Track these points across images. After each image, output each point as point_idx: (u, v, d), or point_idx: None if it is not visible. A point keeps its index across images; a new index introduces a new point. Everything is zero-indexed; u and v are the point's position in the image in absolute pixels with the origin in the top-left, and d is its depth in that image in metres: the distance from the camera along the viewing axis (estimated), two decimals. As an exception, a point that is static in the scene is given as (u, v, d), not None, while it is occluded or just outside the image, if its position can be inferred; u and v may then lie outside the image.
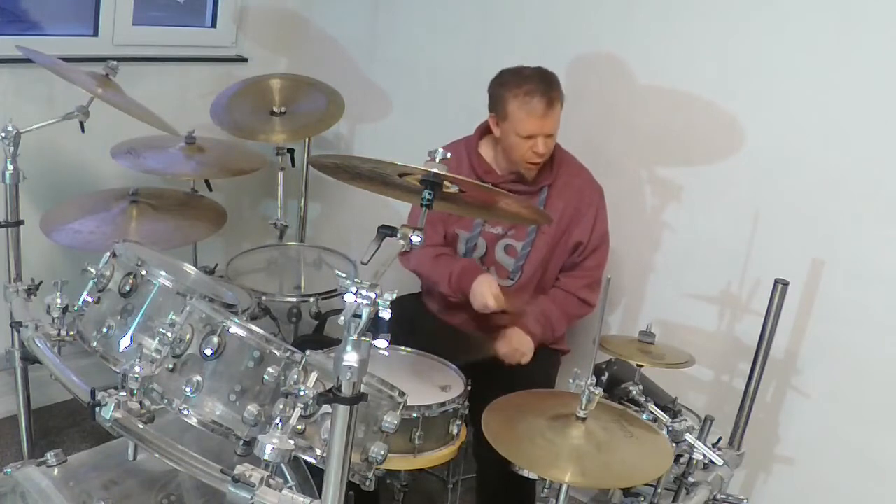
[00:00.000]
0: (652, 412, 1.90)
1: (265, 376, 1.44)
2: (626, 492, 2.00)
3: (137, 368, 1.45)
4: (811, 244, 2.13)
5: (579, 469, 1.53)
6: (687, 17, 2.29)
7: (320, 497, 1.25)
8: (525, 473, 1.57)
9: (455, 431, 1.80)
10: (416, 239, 1.38)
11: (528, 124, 2.09)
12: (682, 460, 1.86)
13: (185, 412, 1.47)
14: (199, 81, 3.10)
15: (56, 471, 1.63)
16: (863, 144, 2.03)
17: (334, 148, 3.33)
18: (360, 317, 1.16)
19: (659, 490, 1.91)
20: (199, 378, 1.47)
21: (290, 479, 1.67)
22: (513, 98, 2.09)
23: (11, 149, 2.10)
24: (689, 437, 1.84)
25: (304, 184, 3.20)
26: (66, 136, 2.40)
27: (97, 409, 1.43)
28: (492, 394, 1.77)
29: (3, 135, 2.08)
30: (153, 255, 1.81)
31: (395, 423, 1.46)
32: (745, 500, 1.85)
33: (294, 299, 2.57)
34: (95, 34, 2.85)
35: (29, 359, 2.14)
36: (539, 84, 2.09)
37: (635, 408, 1.92)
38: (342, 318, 1.18)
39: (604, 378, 1.98)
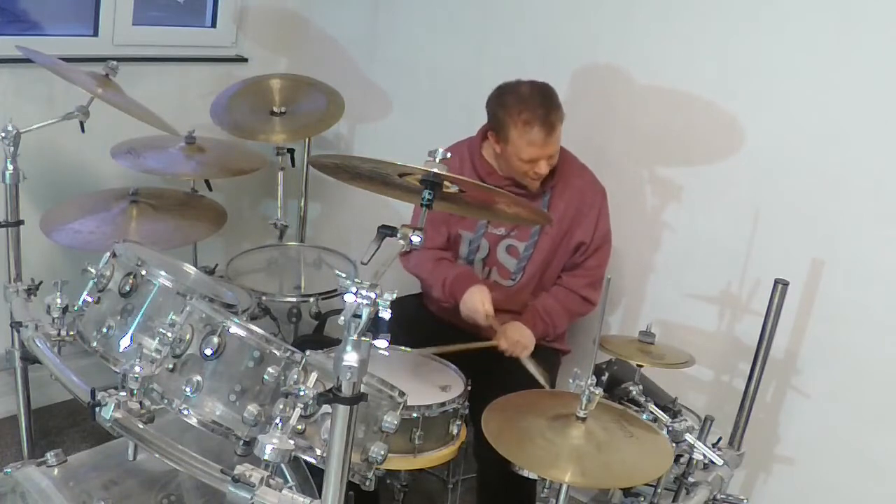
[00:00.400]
0: (652, 412, 1.90)
1: (265, 376, 1.44)
2: (626, 492, 2.00)
3: (137, 368, 1.45)
4: (811, 244, 2.13)
5: (579, 469, 1.53)
6: (687, 18, 2.29)
7: (320, 497, 1.25)
8: (525, 473, 1.57)
9: (455, 431, 1.80)
10: (416, 239, 1.38)
11: (528, 151, 2.09)
12: (682, 460, 1.86)
13: (185, 412, 1.47)
14: (199, 81, 3.10)
15: (56, 471, 1.63)
16: (863, 144, 2.03)
17: (334, 148, 3.33)
18: (360, 317, 1.16)
19: (659, 490, 1.91)
20: (199, 378, 1.47)
21: (290, 479, 1.67)
22: (512, 125, 2.08)
23: (11, 149, 2.10)
24: (689, 437, 1.84)
25: (304, 184, 3.21)
26: (66, 136, 2.40)
27: (97, 409, 1.43)
28: (492, 394, 1.77)
29: (3, 135, 2.08)
30: (153, 255, 1.81)
31: (395, 423, 1.46)
32: (745, 500, 1.85)
33: (294, 299, 2.57)
34: (95, 34, 2.85)
35: (29, 359, 2.14)
36: (538, 110, 2.06)
37: (635, 408, 1.92)
38: (342, 318, 1.18)
39: (604, 378, 1.98)
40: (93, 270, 1.69)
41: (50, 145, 2.59)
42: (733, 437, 2.01)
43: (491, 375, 1.97)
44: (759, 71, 2.17)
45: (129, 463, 1.56)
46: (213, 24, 3.21)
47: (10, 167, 2.11)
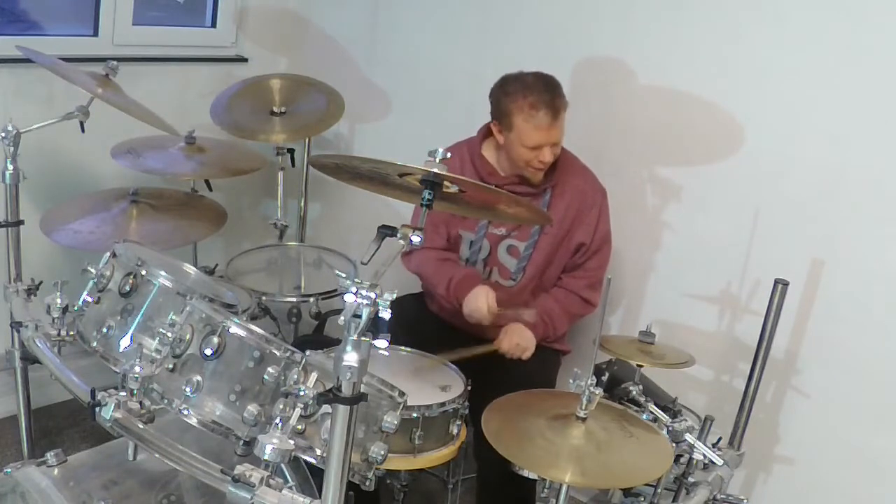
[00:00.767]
0: (652, 412, 1.90)
1: (265, 376, 1.44)
2: (626, 492, 2.00)
3: (137, 368, 1.45)
4: (811, 244, 2.14)
5: (579, 469, 1.53)
6: (687, 18, 2.29)
7: (320, 497, 1.25)
8: (525, 473, 1.57)
9: (455, 431, 1.80)
10: (416, 239, 1.38)
11: (534, 136, 2.09)
12: (682, 460, 1.86)
13: (185, 412, 1.47)
14: (199, 81, 3.10)
15: (56, 471, 1.63)
16: (863, 144, 2.03)
17: (334, 148, 3.33)
18: (360, 317, 1.16)
19: (659, 490, 1.91)
20: (199, 378, 1.47)
21: (290, 479, 1.67)
22: (517, 111, 2.08)
23: (11, 149, 2.10)
24: (689, 437, 1.84)
25: (304, 184, 3.20)
26: (66, 136, 2.40)
27: (97, 409, 1.43)
28: (492, 394, 1.77)
29: (3, 135, 2.08)
30: (153, 255, 1.81)
31: (395, 423, 1.46)
32: (745, 500, 1.85)
33: (294, 299, 2.57)
34: (95, 34, 2.85)
35: (29, 359, 2.13)
36: (543, 94, 2.08)
37: (635, 408, 1.92)
38: (342, 318, 1.18)
39: (604, 378, 1.98)
40: (93, 270, 1.69)
41: (50, 145, 2.59)
42: (733, 437, 2.02)
43: (491, 375, 1.97)
44: (759, 71, 2.17)
45: (129, 463, 1.56)
46: (213, 24, 3.21)
47: (10, 167, 2.11)
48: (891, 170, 1.99)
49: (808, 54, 2.08)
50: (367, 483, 1.49)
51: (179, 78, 3.07)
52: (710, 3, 2.25)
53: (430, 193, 1.44)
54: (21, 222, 2.19)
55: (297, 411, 1.35)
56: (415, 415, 1.70)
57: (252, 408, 1.44)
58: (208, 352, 1.46)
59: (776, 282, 1.93)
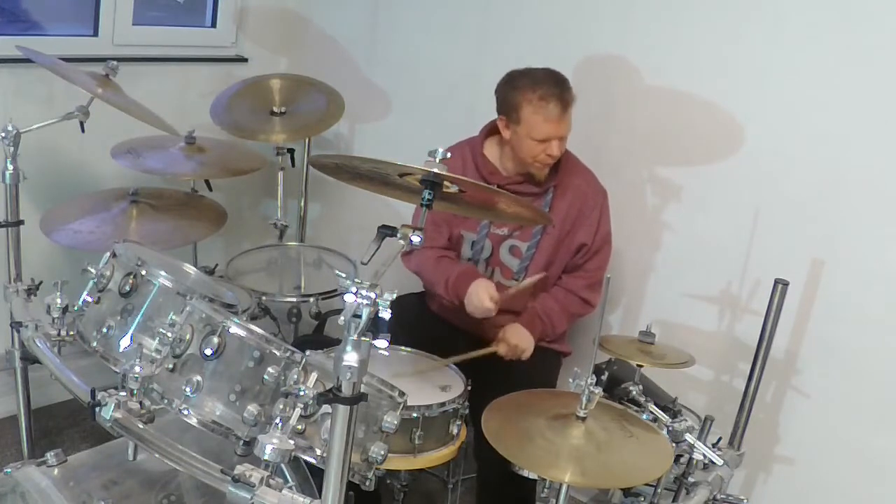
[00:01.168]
0: (652, 412, 1.90)
1: (265, 376, 1.44)
2: (626, 492, 2.00)
3: (137, 368, 1.45)
4: (811, 244, 2.14)
5: (579, 469, 1.53)
6: (687, 18, 2.29)
7: (320, 497, 1.25)
8: (525, 473, 1.57)
9: (455, 431, 1.80)
10: (416, 239, 1.38)
11: (543, 128, 2.09)
12: (682, 460, 1.86)
13: (185, 412, 1.47)
14: (199, 81, 3.10)
15: (56, 471, 1.63)
16: (863, 144, 2.03)
17: (334, 148, 3.33)
18: (360, 317, 1.16)
19: (659, 490, 1.91)
20: (199, 378, 1.47)
21: (290, 479, 1.67)
22: (527, 103, 2.08)
23: (11, 149, 2.10)
24: (689, 437, 1.84)
25: (304, 184, 3.20)
26: (66, 136, 2.40)
27: (97, 409, 1.43)
28: (492, 394, 1.77)
29: (3, 135, 2.08)
30: (153, 255, 1.81)
31: (395, 423, 1.46)
32: (745, 500, 1.85)
33: (294, 299, 2.57)
34: (95, 34, 2.85)
35: (29, 359, 2.13)
36: (553, 87, 2.08)
37: (635, 408, 1.92)
38: (342, 318, 1.18)
39: (604, 378, 1.98)
40: (93, 270, 1.69)
41: (50, 145, 2.59)
42: (733, 437, 2.01)
43: (491, 376, 1.97)
44: (759, 71, 2.17)
45: (129, 463, 1.56)
46: (213, 24, 3.21)
47: (10, 167, 2.11)
48: (891, 170, 1.99)
49: (808, 54, 2.08)
50: (367, 483, 1.49)
51: (179, 78, 3.07)
52: (710, 3, 2.25)
53: (430, 193, 1.44)
54: (21, 222, 2.19)
55: (297, 411, 1.34)
56: (415, 415, 1.70)
57: (252, 408, 1.44)
58: (208, 352, 1.46)
59: (776, 282, 1.93)
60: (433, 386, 1.90)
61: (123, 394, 1.44)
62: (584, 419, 1.63)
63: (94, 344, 1.63)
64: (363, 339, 1.17)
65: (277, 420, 1.34)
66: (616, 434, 1.66)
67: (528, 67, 2.15)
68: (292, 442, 1.30)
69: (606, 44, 2.48)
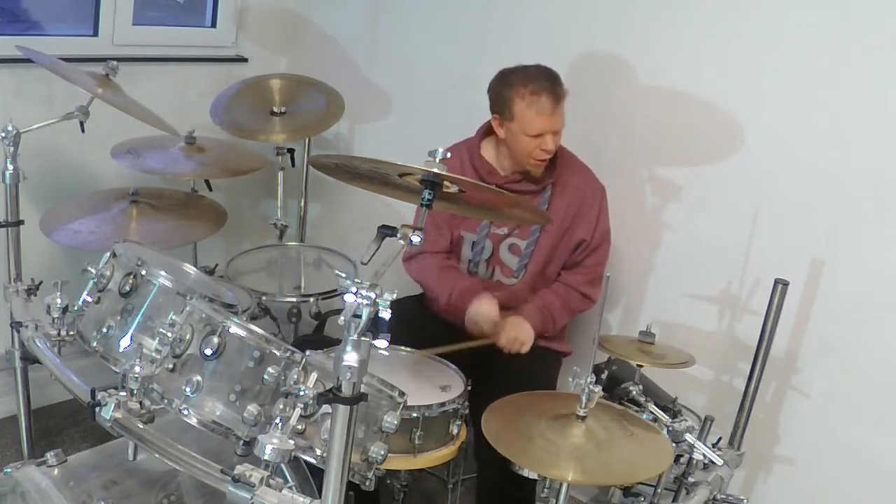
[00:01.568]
0: (652, 412, 1.90)
1: (265, 376, 1.44)
2: (626, 492, 2.00)
3: (137, 368, 1.45)
4: (811, 244, 2.13)
5: (579, 468, 1.53)
6: (687, 17, 2.29)
7: (320, 497, 1.25)
8: (525, 473, 1.57)
9: (455, 431, 1.80)
10: (416, 239, 1.38)
11: (537, 123, 2.09)
12: (682, 460, 1.86)
13: (185, 412, 1.47)
14: (199, 81, 3.10)
15: (56, 471, 1.63)
16: (863, 144, 2.03)
17: (334, 148, 3.33)
18: (360, 317, 1.16)
19: (659, 490, 1.91)
20: (199, 378, 1.47)
21: (290, 479, 1.67)
22: (519, 98, 2.09)
23: (11, 149, 2.10)
24: (689, 437, 1.83)
25: (304, 184, 3.20)
26: (66, 136, 2.40)
27: (97, 409, 1.43)
28: (492, 394, 1.77)
29: (3, 135, 2.08)
30: (153, 255, 1.81)
31: (395, 423, 1.46)
32: (745, 500, 1.85)
33: (294, 299, 2.57)
34: (95, 34, 2.85)
35: (29, 359, 2.13)
36: (544, 81, 2.09)
37: (635, 408, 1.92)
38: (342, 318, 1.18)
39: (603, 377, 1.98)
40: (93, 270, 1.69)
41: (50, 145, 2.59)
42: (733, 437, 2.01)
43: (491, 375, 1.97)
44: (759, 70, 2.17)
45: (129, 463, 1.56)
46: (213, 24, 3.21)
47: (10, 167, 2.12)
48: (891, 170, 1.99)
49: (808, 54, 2.08)
50: (367, 483, 1.49)
51: (179, 78, 3.07)
52: (710, 2, 2.25)
53: (430, 193, 1.44)
54: (21, 222, 2.19)
55: (297, 411, 1.34)
56: (415, 415, 1.69)
57: (252, 408, 1.44)
58: (208, 352, 1.46)
59: (776, 282, 1.93)
60: (433, 386, 1.90)
61: (123, 394, 1.44)
62: (583, 419, 1.63)
63: (94, 344, 1.63)
64: (363, 339, 1.17)
65: (277, 420, 1.34)
66: (616, 433, 1.66)
67: (519, 65, 2.16)
68: (292, 442, 1.30)
69: (606, 43, 2.48)
